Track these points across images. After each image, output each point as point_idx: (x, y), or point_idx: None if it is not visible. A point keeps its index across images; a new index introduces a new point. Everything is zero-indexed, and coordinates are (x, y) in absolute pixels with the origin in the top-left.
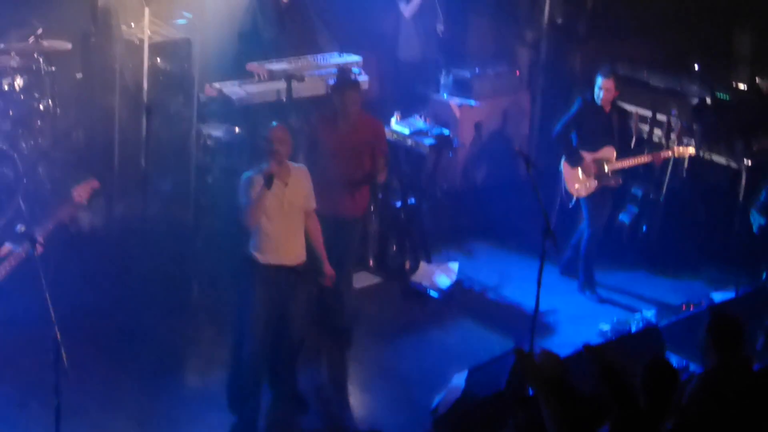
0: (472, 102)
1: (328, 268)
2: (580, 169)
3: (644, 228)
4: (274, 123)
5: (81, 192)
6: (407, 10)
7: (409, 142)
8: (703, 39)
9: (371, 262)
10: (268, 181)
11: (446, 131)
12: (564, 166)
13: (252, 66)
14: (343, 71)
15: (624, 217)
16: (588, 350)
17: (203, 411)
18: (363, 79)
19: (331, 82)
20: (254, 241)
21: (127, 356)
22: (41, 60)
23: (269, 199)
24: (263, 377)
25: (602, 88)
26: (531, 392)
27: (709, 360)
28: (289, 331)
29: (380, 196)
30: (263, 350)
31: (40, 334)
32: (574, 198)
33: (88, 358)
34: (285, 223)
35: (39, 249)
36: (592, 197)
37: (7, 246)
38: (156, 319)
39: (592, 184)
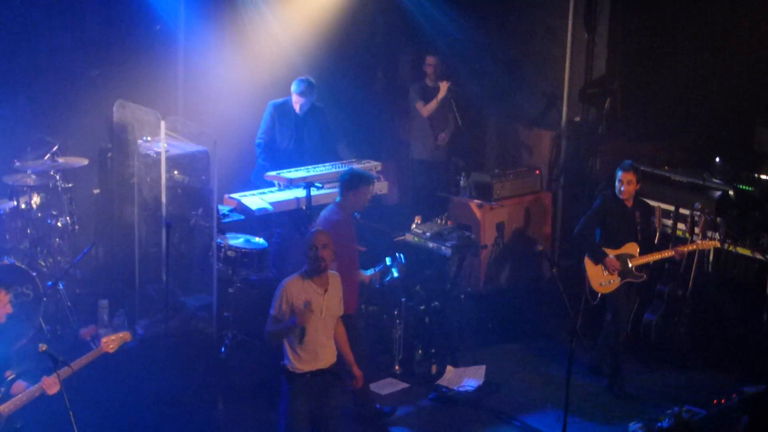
0: (493, 203)
1: (356, 370)
2: (603, 265)
3: (671, 324)
4: (316, 228)
5: (110, 343)
6: (425, 110)
7: (431, 245)
8: (723, 133)
9: (397, 368)
10: (302, 336)
11: (468, 232)
12: (587, 263)
13: (270, 175)
14: None
15: (651, 314)
16: None
17: None
18: (382, 183)
19: None
20: (289, 350)
21: None
22: (58, 177)
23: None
24: None
25: (622, 181)
26: None
27: None
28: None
29: (404, 300)
30: None
31: None
32: (599, 295)
33: None
34: (322, 328)
35: (54, 388)
36: (616, 294)
37: (21, 383)
38: None
39: (616, 280)
